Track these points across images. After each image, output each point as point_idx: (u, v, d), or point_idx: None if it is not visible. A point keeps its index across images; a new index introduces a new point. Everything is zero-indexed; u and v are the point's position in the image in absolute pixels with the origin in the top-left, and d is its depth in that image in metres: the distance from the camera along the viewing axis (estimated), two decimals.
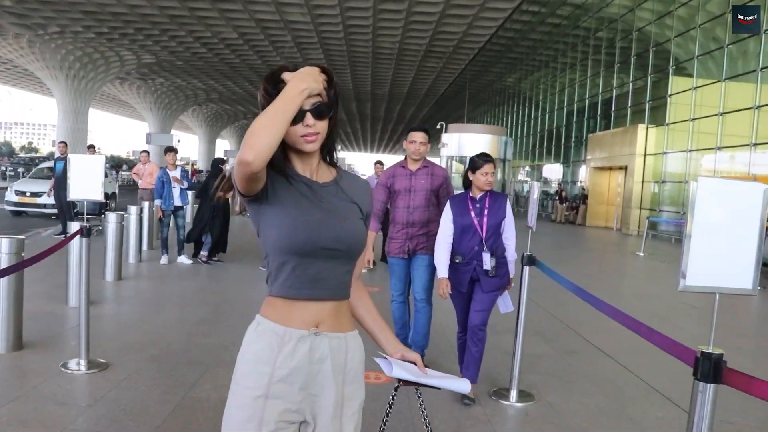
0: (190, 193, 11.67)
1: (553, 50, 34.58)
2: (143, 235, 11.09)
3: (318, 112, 1.64)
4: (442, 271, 4.33)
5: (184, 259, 10.13)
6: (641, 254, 15.55)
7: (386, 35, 32.90)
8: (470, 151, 29.98)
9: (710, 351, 1.72)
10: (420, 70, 41.88)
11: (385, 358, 1.83)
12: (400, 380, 1.81)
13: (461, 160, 29.89)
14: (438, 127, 34.32)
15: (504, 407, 4.32)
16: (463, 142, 29.81)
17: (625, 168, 24.31)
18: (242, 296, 7.76)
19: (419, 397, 1.99)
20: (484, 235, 4.26)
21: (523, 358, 4.77)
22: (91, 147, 15.99)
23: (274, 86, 1.63)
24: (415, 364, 1.83)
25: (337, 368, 1.71)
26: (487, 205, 4.31)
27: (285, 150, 1.70)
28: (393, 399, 1.98)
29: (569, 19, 31.27)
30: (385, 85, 48.12)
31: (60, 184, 11.86)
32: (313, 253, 1.65)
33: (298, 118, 1.61)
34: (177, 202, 10.23)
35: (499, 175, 31.55)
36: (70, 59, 39.18)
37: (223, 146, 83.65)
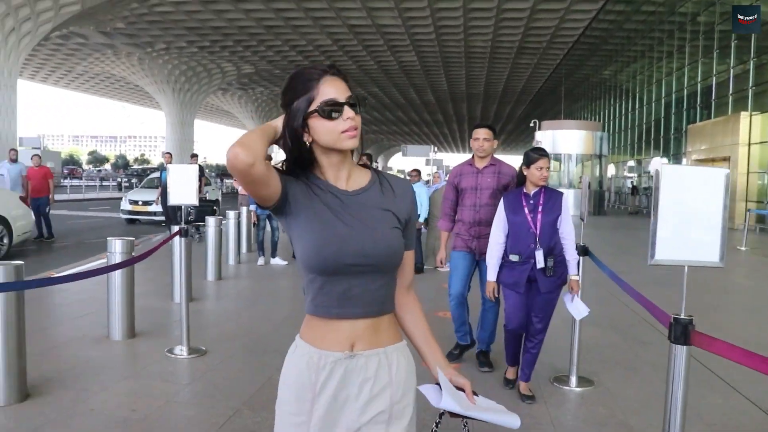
0: None
1: (650, 39, 33.58)
2: (242, 238, 11.87)
3: (354, 104, 1.58)
4: (491, 273, 4.34)
5: (278, 261, 10.79)
6: (743, 248, 15.00)
7: (478, 34, 32.99)
8: (564, 149, 29.85)
9: (681, 317, 1.98)
10: (514, 68, 41.63)
11: (434, 385, 1.69)
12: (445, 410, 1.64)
13: (556, 157, 29.61)
14: (531, 124, 34.11)
15: (562, 391, 4.57)
16: (557, 139, 29.52)
17: (728, 159, 23.37)
18: None
19: (465, 426, 1.76)
20: (538, 232, 4.14)
21: (593, 348, 4.98)
22: (194, 156, 17.06)
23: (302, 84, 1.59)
24: (463, 390, 1.68)
25: (378, 386, 1.63)
26: (541, 202, 4.19)
27: (312, 159, 1.65)
28: (437, 427, 1.77)
29: (665, 5, 30.30)
30: (480, 85, 48.06)
31: (165, 192, 12.84)
32: (339, 270, 1.58)
33: (335, 113, 1.56)
34: None
35: (596, 171, 30.99)
36: (176, 73, 41.57)
37: None
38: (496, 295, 4.41)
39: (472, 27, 31.71)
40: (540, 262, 4.15)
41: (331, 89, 1.56)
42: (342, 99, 1.56)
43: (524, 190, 4.29)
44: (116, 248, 5.67)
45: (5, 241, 10.35)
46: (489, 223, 4.66)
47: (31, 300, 5.87)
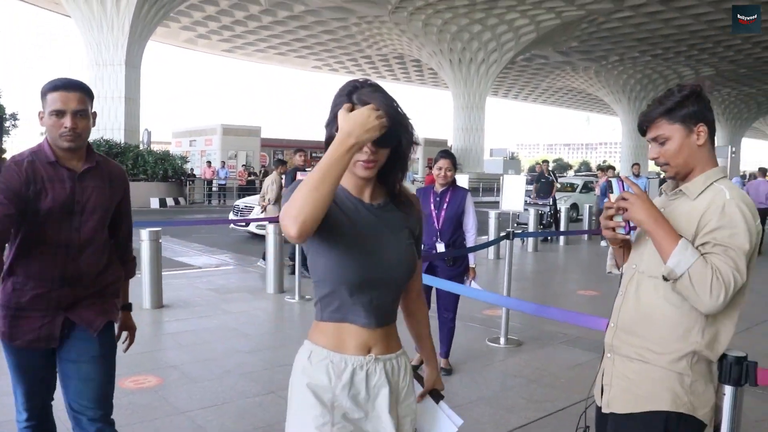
0: None
1: None
2: None
3: (380, 142, 1.54)
4: None
5: None
6: None
7: None
8: None
9: None
10: None
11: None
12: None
13: None
14: None
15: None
16: None
17: None
18: None
19: None
20: (439, 226, 4.61)
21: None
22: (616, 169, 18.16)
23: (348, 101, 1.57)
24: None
25: (393, 390, 1.69)
26: (447, 199, 4.60)
27: None
28: None
29: None
30: None
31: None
32: (365, 283, 1.63)
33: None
34: None
35: None
36: (631, 82, 42.77)
37: None
38: None
39: None
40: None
41: None
42: None
43: (433, 189, 4.73)
44: None
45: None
46: None
47: None
